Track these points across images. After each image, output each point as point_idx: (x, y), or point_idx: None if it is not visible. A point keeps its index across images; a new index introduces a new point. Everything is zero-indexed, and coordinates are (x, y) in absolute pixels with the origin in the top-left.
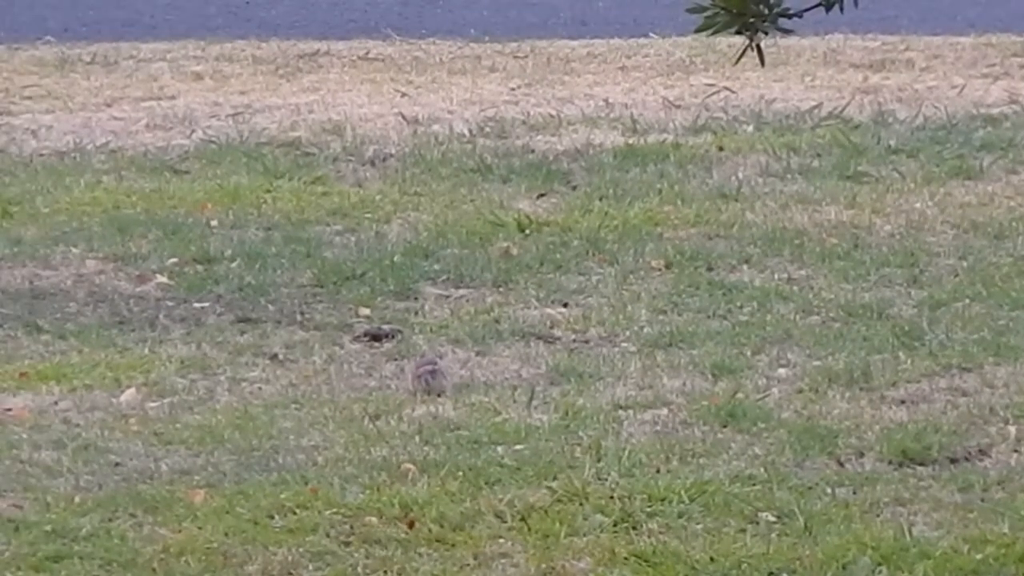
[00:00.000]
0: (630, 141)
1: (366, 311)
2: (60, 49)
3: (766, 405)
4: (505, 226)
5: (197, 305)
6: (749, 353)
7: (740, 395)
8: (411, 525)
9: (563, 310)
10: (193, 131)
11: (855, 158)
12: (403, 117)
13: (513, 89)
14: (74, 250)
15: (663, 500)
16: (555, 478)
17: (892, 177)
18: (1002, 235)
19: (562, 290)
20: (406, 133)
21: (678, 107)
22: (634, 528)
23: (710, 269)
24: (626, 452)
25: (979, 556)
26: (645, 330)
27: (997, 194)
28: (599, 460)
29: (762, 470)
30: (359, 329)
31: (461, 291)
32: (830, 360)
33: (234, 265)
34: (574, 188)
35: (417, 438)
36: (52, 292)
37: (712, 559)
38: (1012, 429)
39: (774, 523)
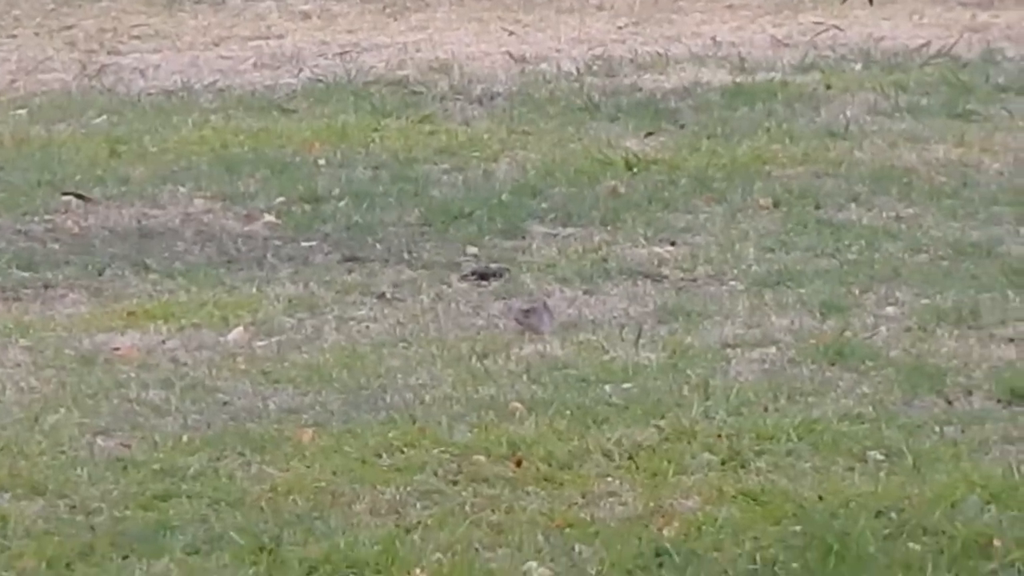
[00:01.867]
0: (738, 80)
1: (474, 250)
2: None
3: (874, 344)
4: (613, 165)
5: (304, 244)
6: (857, 292)
7: (848, 334)
8: (519, 464)
9: (671, 249)
10: (301, 70)
11: (963, 96)
12: (510, 55)
13: (620, 27)
14: (182, 189)
15: (771, 439)
16: (663, 417)
17: (1000, 116)
18: None
19: (670, 229)
20: (513, 72)
21: (786, 45)
22: (742, 467)
23: (818, 208)
24: (734, 391)
25: None
26: (753, 269)
27: None
28: (707, 399)
29: (870, 409)
30: (467, 268)
31: (569, 230)
32: (938, 299)
33: (341, 204)
34: (682, 127)
35: (525, 377)
36: (160, 231)
37: (820, 497)
38: None
39: (882, 462)
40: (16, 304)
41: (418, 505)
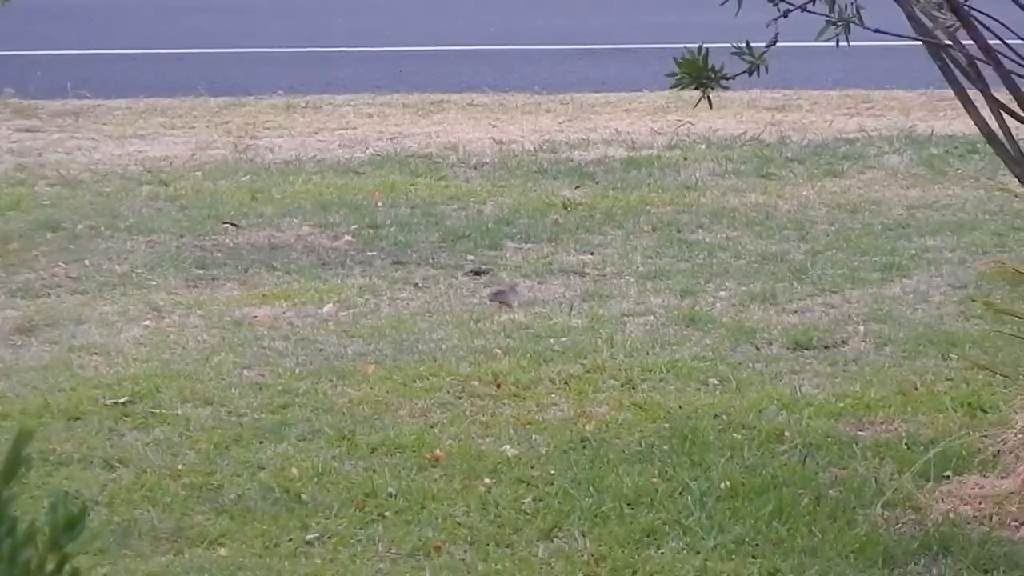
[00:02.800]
0: (631, 154)
1: (471, 257)
2: (286, 99)
3: (713, 314)
4: (555, 205)
5: (369, 253)
6: (703, 282)
7: (697, 308)
8: (498, 386)
9: (591, 256)
10: (367, 148)
11: (766, 164)
12: (494, 140)
13: (561, 123)
14: (295, 220)
15: (651, 371)
16: (585, 358)
17: (789, 176)
18: (855, 211)
19: (590, 244)
20: (495, 150)
21: (660, 133)
22: (633, 388)
23: (679, 231)
24: (628, 342)
25: (841, 404)
26: (640, 268)
27: (852, 186)
28: (612, 347)
29: (710, 353)
30: (467, 268)
31: (528, 245)
32: (751, 287)
33: (392, 229)
34: (597, 183)
35: (502, 333)
36: (282, 246)
37: (680, 407)
38: (861, 328)
39: (717, 385)
40: (195, 290)
41: (437, 411)
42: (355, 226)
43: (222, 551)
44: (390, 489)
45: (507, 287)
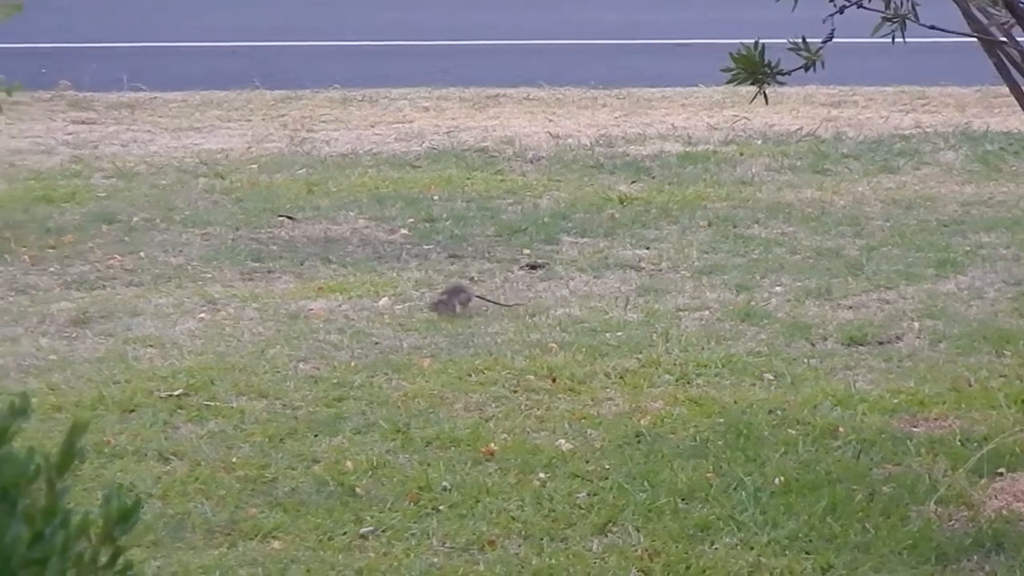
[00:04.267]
0: (687, 149)
1: (527, 251)
2: (342, 92)
3: (768, 309)
4: (611, 200)
5: (425, 247)
6: (758, 277)
7: (752, 303)
8: (554, 380)
9: (646, 251)
10: (423, 142)
11: (822, 160)
12: (550, 134)
13: (617, 117)
14: (351, 213)
15: (706, 366)
16: (640, 352)
17: (844, 172)
18: (910, 207)
19: (645, 239)
20: (551, 144)
21: (716, 129)
22: (688, 383)
23: (735, 227)
24: (683, 337)
25: (895, 401)
26: (696, 263)
27: (907, 183)
28: (667, 341)
29: (765, 348)
30: (523, 262)
31: (584, 239)
32: (807, 282)
33: (448, 223)
34: (653, 177)
35: (558, 327)
36: (338, 239)
37: (735, 402)
38: (916, 324)
39: (772, 380)
40: (250, 282)
41: (492, 405)
42: (411, 220)
43: (276, 544)
44: (445, 483)
45: (449, 293)
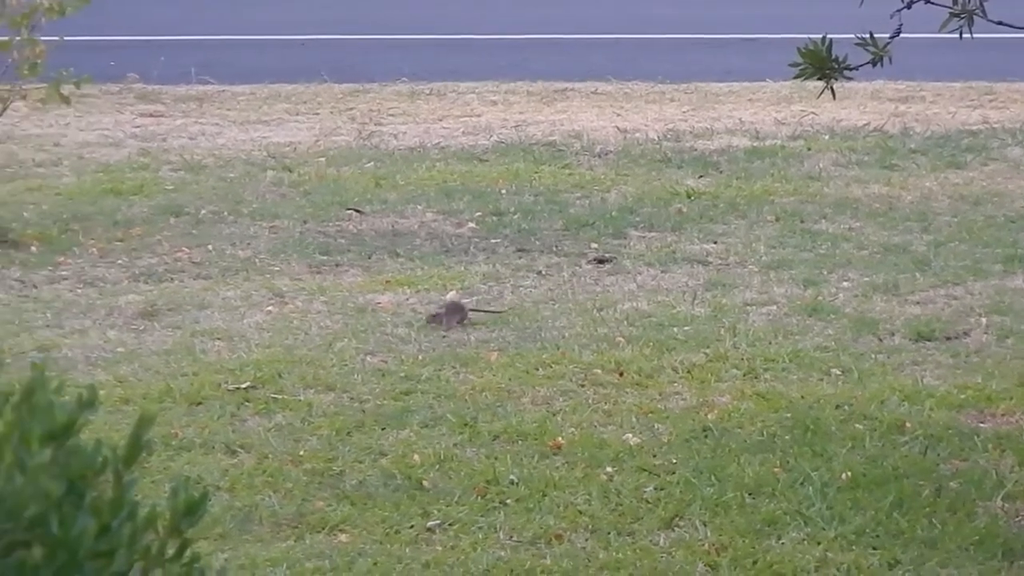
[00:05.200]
0: (754, 144)
1: (595, 245)
2: (410, 86)
3: (835, 304)
4: (679, 195)
5: (492, 240)
6: (826, 272)
7: (820, 298)
8: (621, 375)
9: (714, 246)
10: (491, 136)
11: (889, 155)
12: (618, 128)
13: (684, 112)
14: (419, 207)
15: (773, 361)
16: (708, 347)
17: (912, 167)
18: (978, 203)
19: (713, 234)
20: (619, 138)
21: (783, 124)
22: (755, 378)
23: (802, 222)
24: (751, 331)
25: (963, 396)
26: (763, 258)
27: (975, 178)
28: (735, 336)
29: (832, 343)
30: (590, 256)
31: (652, 234)
32: (874, 277)
33: (515, 217)
34: (721, 172)
35: (625, 322)
36: (405, 232)
37: (802, 397)
38: (983, 320)
39: (840, 375)
40: (318, 275)
41: (560, 399)
42: (479, 213)
43: (343, 537)
44: (512, 476)
45: (447, 309)
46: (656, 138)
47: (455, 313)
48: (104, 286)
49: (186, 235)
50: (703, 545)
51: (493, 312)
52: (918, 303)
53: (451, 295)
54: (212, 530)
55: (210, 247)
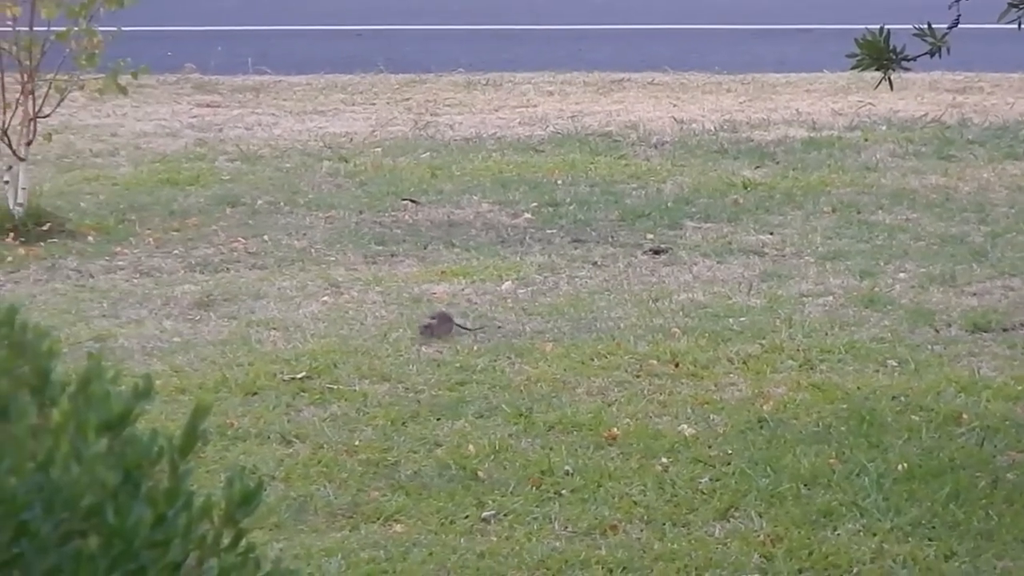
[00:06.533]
0: (811, 135)
1: (651, 236)
2: (466, 76)
3: (892, 295)
4: (735, 185)
5: (548, 231)
6: (882, 263)
7: (876, 289)
8: (676, 365)
9: (770, 237)
10: (547, 126)
11: (947, 146)
12: (674, 119)
13: (741, 102)
14: (475, 197)
15: (829, 352)
16: (764, 338)
17: (969, 158)
18: None
19: (769, 224)
20: (675, 128)
21: (840, 114)
22: (811, 369)
23: (859, 213)
24: (807, 322)
25: (1020, 388)
26: (819, 249)
27: None
28: (791, 327)
29: (889, 334)
30: (646, 247)
31: (708, 224)
32: (930, 268)
33: (571, 207)
34: (777, 163)
35: (681, 312)
36: (461, 223)
37: (858, 388)
38: None
39: (896, 367)
40: (374, 266)
41: (615, 390)
42: (535, 204)
43: (398, 527)
44: (567, 467)
45: (438, 318)
46: (713, 128)
47: (444, 323)
48: (160, 276)
49: (242, 225)
50: (758, 536)
51: (472, 330)
52: (975, 294)
53: (506, 285)
54: (267, 520)
55: (266, 237)
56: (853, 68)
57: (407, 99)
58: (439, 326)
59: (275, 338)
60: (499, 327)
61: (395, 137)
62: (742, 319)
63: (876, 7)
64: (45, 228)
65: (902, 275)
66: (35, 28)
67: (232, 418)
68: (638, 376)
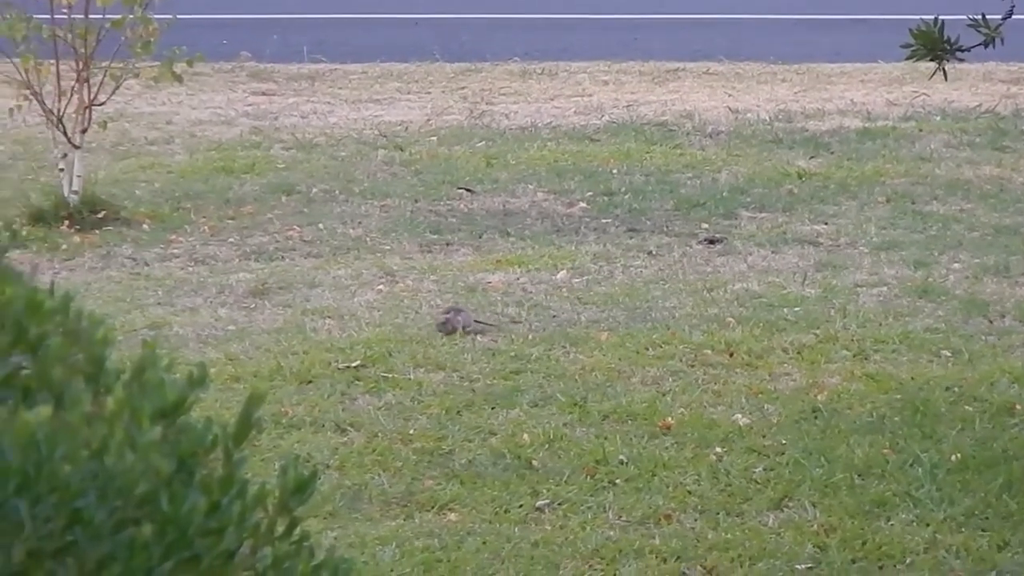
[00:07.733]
0: (866, 125)
1: (705, 225)
2: (522, 66)
3: (946, 286)
4: (790, 175)
5: (603, 220)
6: (936, 254)
7: (930, 279)
8: (731, 355)
9: (824, 227)
10: (603, 116)
11: (1001, 137)
12: (729, 109)
13: (796, 92)
14: (530, 187)
15: (883, 342)
16: (818, 328)
17: None
18: None
19: (824, 214)
20: (730, 118)
21: (895, 105)
22: (865, 359)
23: (913, 203)
24: (861, 312)
25: None
26: (874, 239)
27: None
28: (845, 317)
29: (943, 325)
30: (701, 236)
31: (763, 214)
32: (985, 259)
33: (626, 197)
34: (832, 153)
35: (735, 302)
36: (516, 212)
37: (912, 378)
38: None
39: (950, 357)
40: (429, 254)
41: (669, 379)
42: (590, 193)
43: (452, 516)
44: (621, 456)
45: (454, 312)
46: (767, 118)
47: (459, 314)
48: (215, 264)
49: (297, 213)
50: (812, 526)
51: (490, 325)
52: None
53: (561, 274)
54: (322, 508)
55: (321, 226)
56: (908, 59)
57: (463, 88)
58: (455, 317)
59: (330, 326)
60: (554, 316)
61: (450, 126)
62: (796, 309)
63: None
64: (100, 216)
65: (956, 265)
66: (90, 16)
67: (287, 406)
68: (692, 366)
